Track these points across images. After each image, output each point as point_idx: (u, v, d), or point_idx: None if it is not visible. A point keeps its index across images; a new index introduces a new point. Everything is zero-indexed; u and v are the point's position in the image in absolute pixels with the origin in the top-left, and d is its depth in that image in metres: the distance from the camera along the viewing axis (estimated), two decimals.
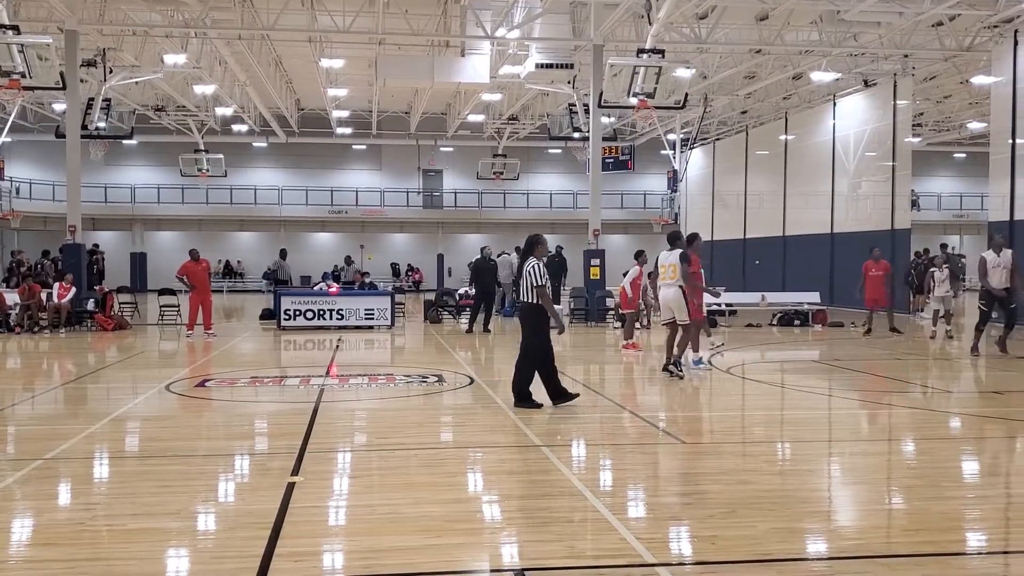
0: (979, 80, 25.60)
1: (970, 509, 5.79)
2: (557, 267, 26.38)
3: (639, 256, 16.99)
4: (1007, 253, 13.80)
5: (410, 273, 45.83)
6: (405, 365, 14.37)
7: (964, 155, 46.20)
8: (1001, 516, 5.72)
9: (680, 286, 11.82)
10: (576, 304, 23.05)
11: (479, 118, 39.07)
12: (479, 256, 20.94)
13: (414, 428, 8.58)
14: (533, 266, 9.27)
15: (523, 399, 9.27)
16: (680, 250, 11.89)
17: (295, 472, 6.49)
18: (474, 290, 21.17)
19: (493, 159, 41.97)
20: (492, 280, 20.64)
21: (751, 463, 7.13)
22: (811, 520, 5.47)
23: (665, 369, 11.79)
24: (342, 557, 4.80)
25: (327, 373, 12.54)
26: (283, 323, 19.96)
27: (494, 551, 4.90)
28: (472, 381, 11.57)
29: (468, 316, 20.84)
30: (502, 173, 41.57)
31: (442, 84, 26.72)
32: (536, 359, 9.31)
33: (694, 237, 12.71)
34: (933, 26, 22.97)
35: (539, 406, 9.14)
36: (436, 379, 11.81)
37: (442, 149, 46.15)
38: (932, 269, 18.55)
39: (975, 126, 35.90)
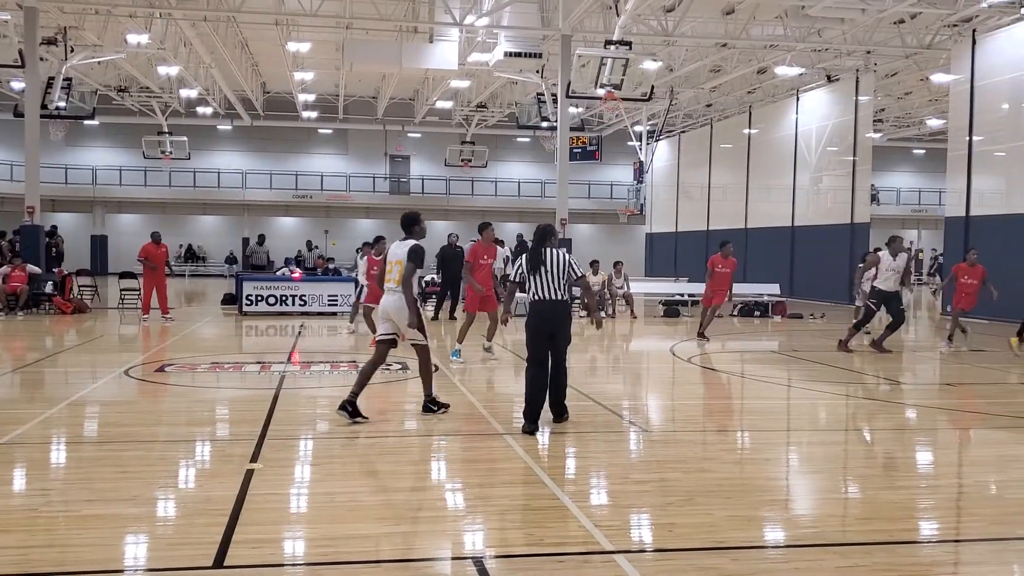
0: (938, 78, 26.01)
1: (921, 498, 5.93)
2: (518, 254, 26.44)
3: (376, 242, 15.13)
4: (903, 257, 13.93)
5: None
6: (368, 352, 14.31)
7: (923, 151, 46.95)
8: (952, 505, 5.86)
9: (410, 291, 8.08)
10: None
11: (447, 105, 38.93)
12: (446, 243, 20.91)
13: (376, 416, 8.57)
14: (570, 256, 7.94)
15: (564, 413, 8.00)
16: (414, 241, 8.17)
17: (254, 459, 6.46)
18: (440, 277, 21.14)
19: (461, 146, 41.85)
20: (459, 267, 20.58)
21: (710, 452, 7.23)
22: (767, 508, 5.56)
23: (425, 408, 8.43)
24: (301, 544, 4.80)
25: (289, 360, 12.47)
26: (245, 308, 19.79)
27: (455, 539, 4.93)
28: (436, 369, 11.57)
29: (434, 303, 20.81)
30: (470, 160, 41.45)
31: (410, 70, 26.62)
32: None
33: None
34: (895, 23, 23.29)
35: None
36: (400, 367, 11.79)
37: (410, 135, 45.93)
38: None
39: (934, 123, 36.48)
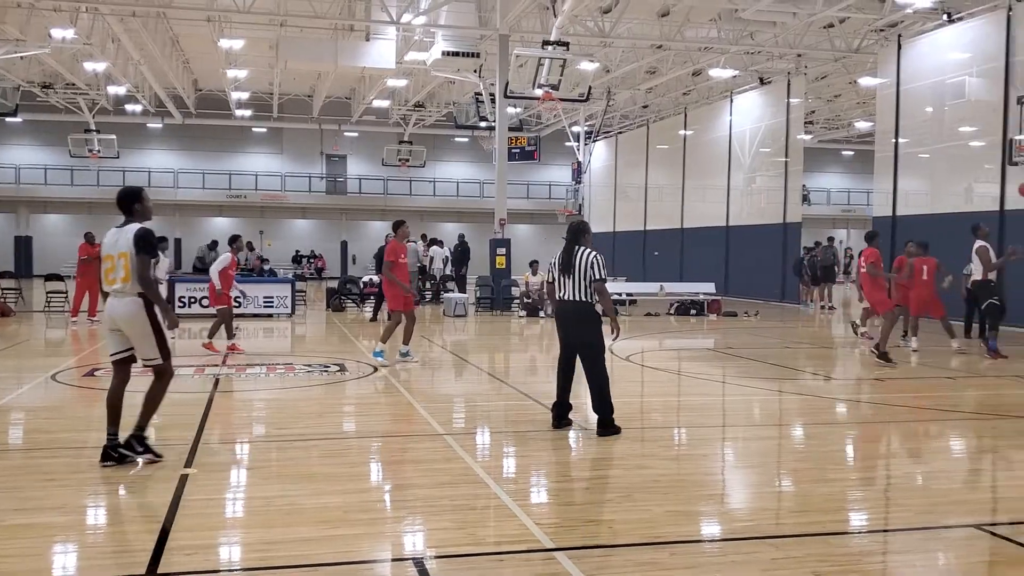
0: (866, 81, 26.73)
1: (852, 490, 6.09)
2: (460, 255, 26.44)
3: (233, 241, 14.07)
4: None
5: (312, 260, 45.09)
6: (306, 354, 14.16)
7: (852, 152, 48.20)
8: (881, 497, 6.03)
9: (140, 294, 6.28)
10: (482, 293, 23.16)
11: (384, 104, 38.67)
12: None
13: (314, 418, 8.47)
14: (596, 256, 7.52)
15: (609, 426, 7.50)
16: (138, 225, 6.48)
17: (188, 464, 6.33)
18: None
19: (399, 146, 41.64)
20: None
21: (648, 448, 7.32)
22: (704, 503, 5.65)
23: (124, 446, 6.36)
24: (237, 550, 4.72)
25: (223, 362, 12.25)
26: (177, 310, 19.36)
27: (395, 540, 4.90)
28: (375, 370, 11.49)
29: (372, 304, 20.65)
30: (408, 160, 41.28)
31: (346, 68, 26.36)
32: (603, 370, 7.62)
33: (874, 235, 13.01)
34: (824, 28, 23.87)
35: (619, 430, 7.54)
36: (338, 368, 11.68)
37: (346, 134, 45.53)
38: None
39: (862, 125, 37.47)
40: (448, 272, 26.69)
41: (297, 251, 45.28)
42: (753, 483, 6.37)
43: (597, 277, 7.44)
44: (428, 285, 26.15)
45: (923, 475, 6.64)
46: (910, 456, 7.46)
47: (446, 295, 23.27)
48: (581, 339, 7.55)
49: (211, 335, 13.37)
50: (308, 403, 9.40)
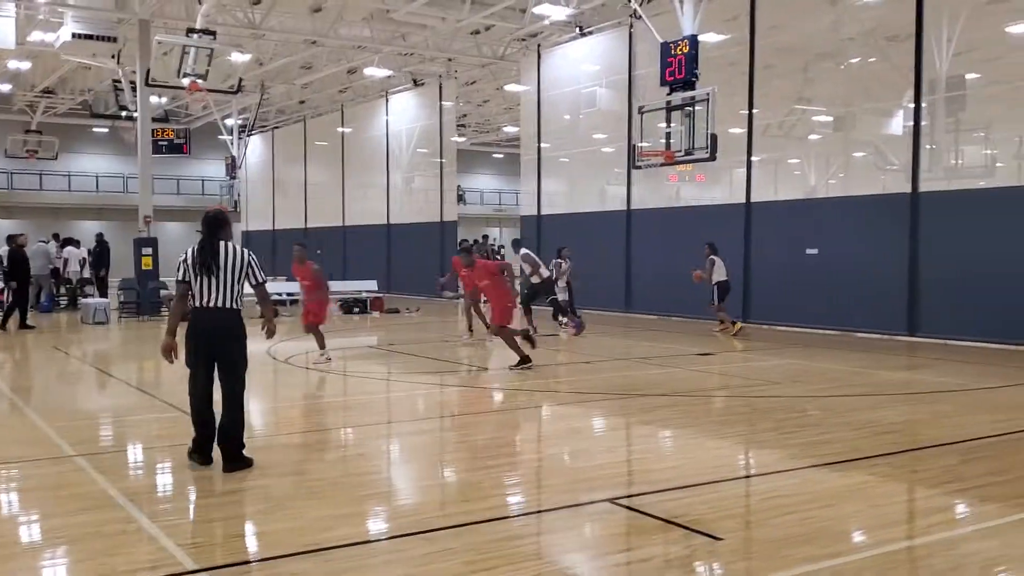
0: (511, 88, 28.42)
1: (504, 475, 6.37)
2: (99, 256, 24.18)
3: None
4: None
5: None
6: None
7: (502, 155, 51.13)
8: (531, 479, 6.37)
9: None
10: (126, 297, 21.28)
11: (6, 88, 34.28)
12: (10, 245, 18.35)
13: None
14: (251, 255, 6.51)
15: (241, 459, 6.33)
16: None
17: None
18: (3, 283, 18.55)
19: (25, 135, 37.33)
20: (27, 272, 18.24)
21: (307, 453, 7.14)
22: (359, 504, 5.59)
23: None
24: None
25: None
26: None
27: None
28: None
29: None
30: (37, 152, 37.27)
31: None
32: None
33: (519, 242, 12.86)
34: (472, 34, 24.97)
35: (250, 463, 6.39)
36: None
37: None
38: (558, 260, 17.21)
39: (510, 129, 39.82)
40: (86, 275, 24.38)
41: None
42: (412, 478, 6.45)
43: (259, 280, 6.47)
44: (64, 290, 23.67)
45: (568, 454, 7.14)
46: (555, 437, 8.00)
47: (84, 300, 21.19)
48: (229, 356, 6.30)
49: None
50: None
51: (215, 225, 6.40)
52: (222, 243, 6.34)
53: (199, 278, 6.23)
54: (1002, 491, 5.72)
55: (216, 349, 6.26)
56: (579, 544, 4.94)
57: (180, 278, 6.33)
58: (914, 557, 4.68)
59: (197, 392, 6.34)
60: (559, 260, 16.80)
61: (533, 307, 16.04)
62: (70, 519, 5.19)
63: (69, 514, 5.30)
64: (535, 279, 15.84)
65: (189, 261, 6.28)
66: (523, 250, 16.41)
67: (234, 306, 6.30)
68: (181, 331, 6.37)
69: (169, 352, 6.43)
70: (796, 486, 5.89)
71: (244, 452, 6.34)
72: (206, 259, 6.24)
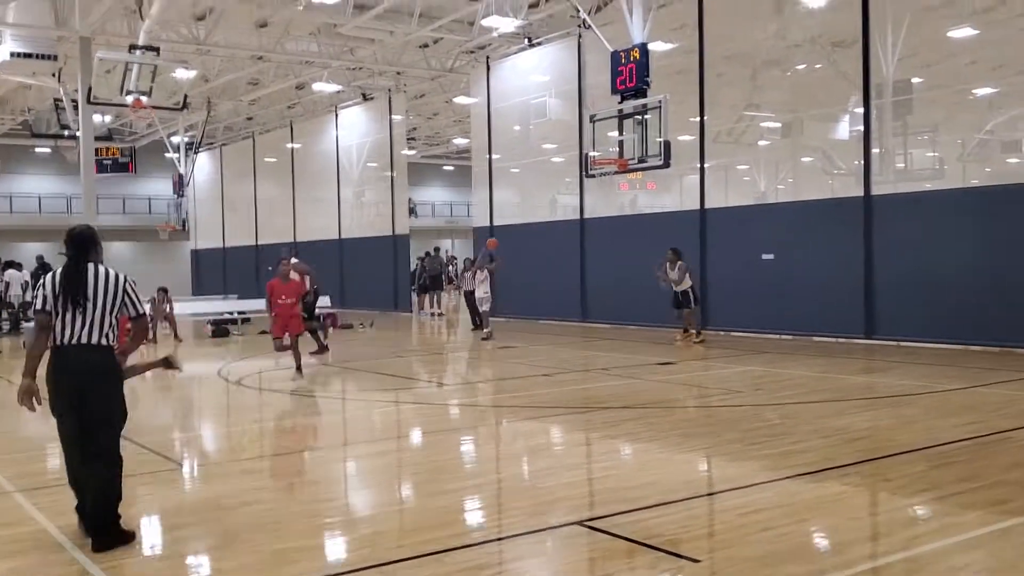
0: (461, 100, 28.28)
1: (466, 499, 6.15)
2: (40, 279, 23.47)
3: None
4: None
5: None
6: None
7: (453, 167, 50.97)
8: (493, 503, 6.14)
9: None
10: None
11: None
12: None
13: None
14: (130, 281, 5.32)
15: (119, 533, 5.16)
16: None
17: None
18: None
19: None
20: None
21: (259, 481, 6.86)
22: (316, 535, 5.33)
23: None
24: None
25: None
26: None
27: None
28: None
29: None
30: None
31: None
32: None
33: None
34: (420, 47, 24.79)
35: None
36: None
37: None
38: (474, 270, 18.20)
39: (460, 141, 39.70)
40: (28, 299, 23.62)
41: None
42: (370, 504, 6.21)
43: (139, 311, 5.29)
44: (5, 314, 22.93)
45: (529, 474, 6.95)
46: (517, 457, 7.79)
47: (26, 324, 20.52)
48: (101, 403, 5.15)
49: None
50: None
51: (82, 244, 5.24)
52: (91, 267, 5.19)
53: (63, 310, 5.09)
54: (978, 498, 5.65)
55: (85, 396, 5.09)
56: (550, 572, 4.75)
57: (40, 307, 5.12)
58: (900, 572, 4.54)
59: (71, 446, 5.22)
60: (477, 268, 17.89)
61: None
62: (4, 563, 4.86)
63: (4, 557, 4.97)
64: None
65: (49, 288, 5.11)
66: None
67: (103, 342, 5.14)
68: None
69: (30, 397, 5.07)
70: (770, 499, 5.77)
71: (121, 523, 5.18)
72: (71, 287, 5.10)
